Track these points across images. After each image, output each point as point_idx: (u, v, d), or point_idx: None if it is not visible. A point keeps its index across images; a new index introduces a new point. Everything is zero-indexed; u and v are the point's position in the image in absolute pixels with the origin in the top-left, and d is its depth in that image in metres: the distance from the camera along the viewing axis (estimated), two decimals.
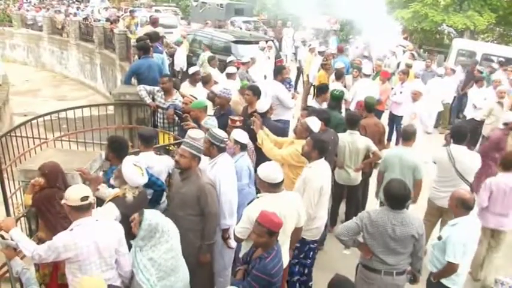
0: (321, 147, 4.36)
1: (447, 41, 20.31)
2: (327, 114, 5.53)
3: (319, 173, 4.34)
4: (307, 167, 4.41)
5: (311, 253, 4.61)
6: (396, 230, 3.69)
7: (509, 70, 10.74)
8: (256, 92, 6.08)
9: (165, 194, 4.44)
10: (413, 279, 4.06)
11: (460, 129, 5.43)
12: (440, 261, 4.04)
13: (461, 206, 4.01)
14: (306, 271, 4.67)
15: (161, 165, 4.48)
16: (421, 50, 17.59)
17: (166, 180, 4.60)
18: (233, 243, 4.34)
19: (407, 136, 5.44)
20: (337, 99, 6.43)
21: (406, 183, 3.91)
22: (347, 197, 6.20)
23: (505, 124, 6.80)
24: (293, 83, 9.71)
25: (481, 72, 11.00)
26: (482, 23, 18.20)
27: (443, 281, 4.08)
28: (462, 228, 3.96)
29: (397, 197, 3.72)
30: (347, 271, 3.97)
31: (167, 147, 5.58)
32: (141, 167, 3.73)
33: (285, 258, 3.87)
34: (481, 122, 8.53)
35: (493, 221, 5.20)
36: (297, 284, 4.64)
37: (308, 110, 5.73)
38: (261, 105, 5.81)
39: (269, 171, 3.70)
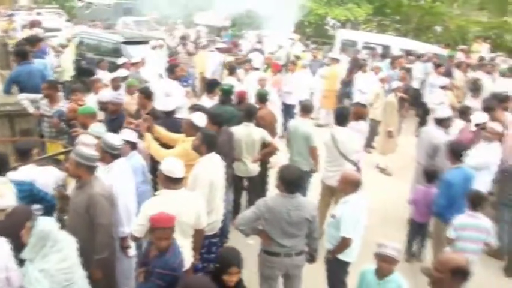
0: (209, 142, 4.43)
1: (332, 32, 21.49)
2: (220, 118, 5.48)
3: (209, 168, 4.39)
4: (197, 162, 4.45)
5: (214, 248, 4.66)
6: (291, 214, 3.87)
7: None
8: (147, 94, 6.00)
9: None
10: (311, 259, 4.28)
11: (342, 112, 5.85)
12: (336, 238, 4.30)
13: (350, 185, 4.32)
14: (212, 266, 4.71)
15: (45, 177, 4.23)
16: (309, 42, 18.46)
17: (58, 191, 4.37)
18: (131, 252, 4.26)
19: (303, 109, 6.07)
20: (227, 94, 6.52)
21: (301, 171, 4.14)
22: (248, 188, 6.34)
23: (477, 125, 6.36)
24: (190, 81, 9.68)
25: (364, 60, 11.81)
26: (361, 14, 19.72)
27: (339, 256, 4.34)
28: (353, 205, 4.26)
29: (292, 181, 3.90)
30: (252, 260, 4.12)
31: (56, 157, 5.29)
32: None
33: (187, 258, 3.88)
34: (365, 105, 9.19)
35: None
36: None
37: (194, 109, 5.73)
38: (166, 105, 5.74)
39: (171, 165, 3.78)
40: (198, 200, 4.02)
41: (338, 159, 5.62)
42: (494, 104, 7.14)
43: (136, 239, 3.82)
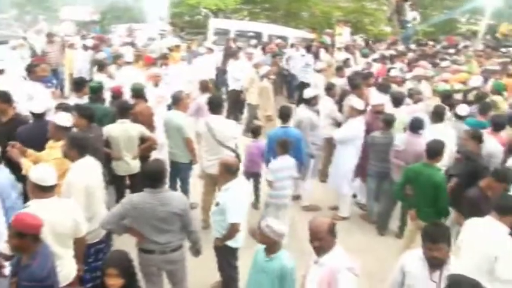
0: (79, 145, 4.17)
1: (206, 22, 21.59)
2: (90, 110, 5.25)
3: (83, 173, 4.14)
4: (70, 169, 4.17)
5: (101, 254, 4.44)
6: (158, 210, 3.79)
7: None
8: (4, 99, 5.45)
9: None
10: (196, 252, 4.27)
11: (215, 100, 5.92)
12: (222, 225, 4.33)
13: (228, 171, 4.37)
14: (100, 273, 4.49)
15: None
16: (184, 33, 18.33)
17: None
18: (7, 271, 3.89)
19: (174, 100, 6.08)
20: (95, 91, 6.21)
21: (163, 161, 4.10)
22: (130, 186, 6.13)
23: (372, 106, 6.77)
24: (55, 80, 8.98)
25: (238, 48, 12.05)
26: (232, 3, 20.08)
27: (227, 242, 4.38)
28: (235, 190, 4.31)
29: (154, 175, 3.84)
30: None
31: None
32: None
33: (70, 269, 3.69)
34: (241, 91, 9.46)
35: None
36: None
37: (61, 108, 5.38)
38: (35, 107, 5.25)
39: (40, 172, 3.50)
40: (73, 206, 3.77)
41: (215, 148, 5.68)
42: (360, 82, 7.76)
43: (8, 257, 3.48)
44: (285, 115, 6.20)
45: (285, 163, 5.51)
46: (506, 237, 3.59)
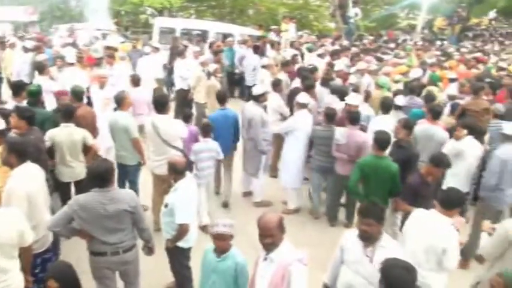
0: (18, 150, 3.99)
1: (152, 20, 21.24)
2: (29, 112, 5.03)
3: (24, 179, 3.96)
4: (10, 176, 3.98)
5: (48, 264, 4.24)
6: (108, 208, 3.74)
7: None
8: None
9: None
10: (149, 250, 4.23)
11: (160, 99, 5.83)
12: (172, 226, 4.29)
13: (175, 171, 4.34)
14: None
15: None
16: (129, 32, 17.91)
17: None
18: None
19: (117, 101, 6.05)
20: (34, 95, 5.96)
21: (110, 161, 4.03)
22: (76, 193, 5.94)
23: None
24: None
25: (185, 46, 11.91)
26: (177, 2, 19.84)
27: (178, 243, 4.35)
28: (183, 190, 4.28)
29: (102, 174, 3.78)
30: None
31: None
32: None
33: (18, 282, 3.55)
34: (189, 90, 9.38)
35: None
36: None
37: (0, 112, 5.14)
38: None
39: None
40: (16, 215, 3.59)
41: (162, 147, 5.63)
42: (313, 83, 7.80)
43: None
44: (221, 98, 6.68)
45: (207, 145, 5.90)
46: (451, 230, 3.78)
